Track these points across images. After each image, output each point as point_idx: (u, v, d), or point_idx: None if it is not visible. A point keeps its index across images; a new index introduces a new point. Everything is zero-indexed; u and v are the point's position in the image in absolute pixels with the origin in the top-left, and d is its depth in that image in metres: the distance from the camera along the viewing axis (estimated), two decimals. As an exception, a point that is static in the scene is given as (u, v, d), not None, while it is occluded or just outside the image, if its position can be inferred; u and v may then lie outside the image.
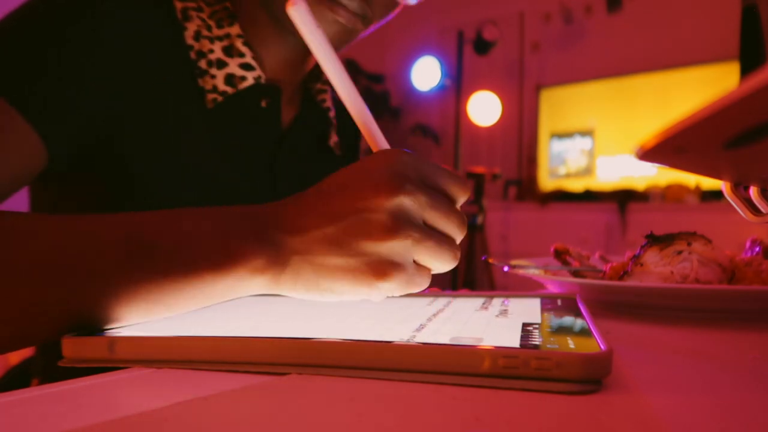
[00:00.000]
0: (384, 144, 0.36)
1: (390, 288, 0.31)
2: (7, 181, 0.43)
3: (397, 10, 0.57)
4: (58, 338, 0.29)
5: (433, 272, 0.34)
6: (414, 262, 0.33)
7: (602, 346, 0.25)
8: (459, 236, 0.34)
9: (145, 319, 0.31)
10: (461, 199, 0.35)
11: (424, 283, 0.33)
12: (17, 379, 0.59)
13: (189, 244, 0.31)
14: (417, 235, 0.31)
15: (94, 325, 0.30)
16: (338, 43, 0.55)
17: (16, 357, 0.67)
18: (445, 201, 0.34)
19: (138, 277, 0.29)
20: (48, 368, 0.57)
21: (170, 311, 0.31)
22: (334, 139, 0.67)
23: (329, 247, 0.31)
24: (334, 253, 0.31)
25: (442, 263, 0.33)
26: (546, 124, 3.61)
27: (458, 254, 0.34)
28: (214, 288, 0.31)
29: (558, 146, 3.57)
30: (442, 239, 0.33)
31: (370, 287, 0.31)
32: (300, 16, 0.35)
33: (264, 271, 0.31)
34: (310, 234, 0.31)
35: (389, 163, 0.32)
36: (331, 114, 0.66)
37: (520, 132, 3.70)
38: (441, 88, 3.53)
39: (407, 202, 0.31)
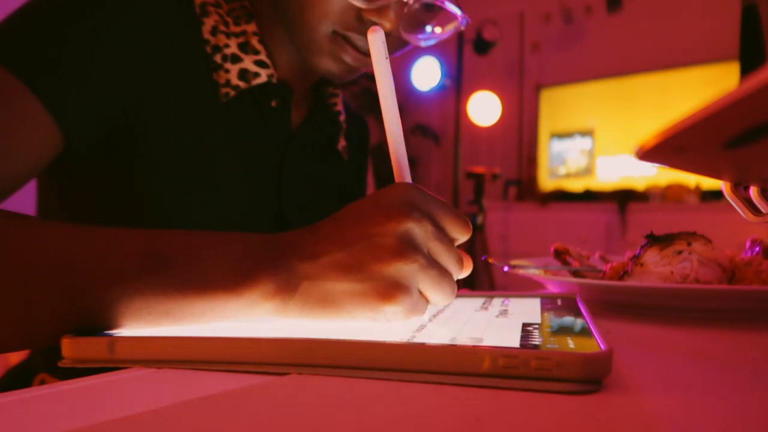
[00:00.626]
0: (407, 178, 0.37)
1: (395, 312, 0.32)
2: (24, 168, 0.43)
3: (406, 48, 0.57)
4: None
5: (430, 304, 0.34)
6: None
7: (602, 346, 0.25)
8: (457, 274, 0.35)
9: (152, 328, 0.31)
10: (462, 239, 0.36)
11: (424, 311, 0.34)
12: (17, 379, 0.59)
13: (204, 263, 0.32)
14: (423, 261, 0.32)
15: (107, 329, 0.31)
16: (341, 77, 0.56)
17: (16, 357, 0.67)
18: (447, 237, 0.35)
19: (151, 288, 0.30)
20: (49, 367, 0.57)
21: (178, 324, 0.32)
22: (342, 143, 0.67)
23: (339, 272, 0.32)
24: (343, 279, 0.32)
25: (441, 295, 0.34)
26: (546, 124, 3.61)
27: (455, 290, 0.35)
28: (224, 308, 0.31)
29: (558, 146, 3.57)
30: (443, 271, 0.34)
31: (376, 311, 0.32)
32: (376, 43, 0.36)
33: (274, 296, 0.32)
34: (321, 260, 0.32)
35: (401, 194, 0.34)
36: (341, 118, 0.66)
37: (520, 132, 3.70)
38: (441, 88, 3.53)
39: (415, 228, 0.32)
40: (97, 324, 0.30)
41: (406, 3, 0.50)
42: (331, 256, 0.32)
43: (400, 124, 0.38)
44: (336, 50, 0.53)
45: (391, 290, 0.31)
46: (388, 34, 0.52)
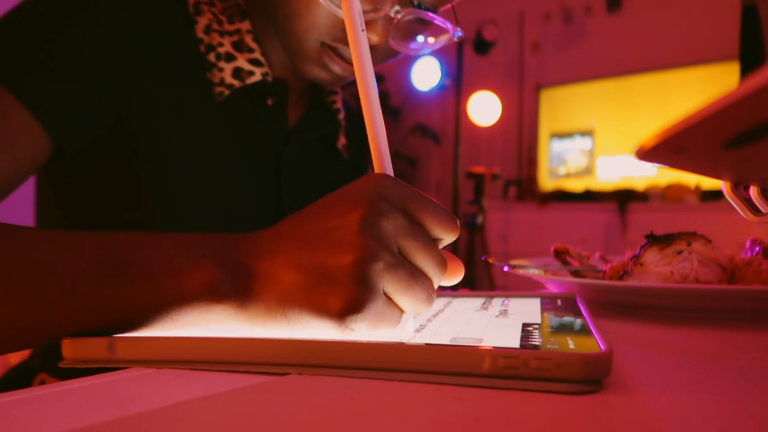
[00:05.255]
0: (387, 168, 0.33)
1: (355, 321, 0.27)
2: (10, 174, 0.43)
3: (397, 57, 0.57)
4: (27, 348, 0.29)
5: (404, 314, 0.30)
6: (385, 295, 0.29)
7: (602, 347, 0.25)
8: (437, 277, 0.30)
9: (116, 333, 0.30)
10: (447, 238, 0.31)
11: (395, 321, 0.29)
12: (17, 379, 0.59)
13: (158, 266, 0.30)
14: (389, 259, 0.28)
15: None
16: (330, 84, 0.56)
17: (16, 357, 0.67)
18: (425, 234, 0.30)
19: (108, 294, 0.29)
20: (49, 367, 0.57)
21: (138, 330, 0.30)
22: (342, 141, 0.67)
23: (294, 272, 0.28)
24: (299, 279, 0.28)
25: (412, 301, 0.29)
26: (546, 124, 3.61)
27: (433, 296, 0.30)
28: (180, 312, 0.30)
29: (558, 146, 3.57)
30: (416, 273, 0.29)
31: (333, 319, 0.27)
32: (351, 14, 0.33)
33: (228, 299, 0.29)
34: (278, 259, 0.29)
35: (371, 184, 0.30)
36: (341, 116, 0.66)
37: (520, 132, 3.70)
38: (441, 88, 3.53)
39: (382, 222, 0.28)
40: (62, 331, 0.29)
41: (394, 17, 0.50)
42: (288, 254, 0.29)
43: (379, 105, 0.34)
44: (324, 60, 0.52)
45: (349, 293, 0.27)
46: (375, 46, 0.52)
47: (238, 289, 0.29)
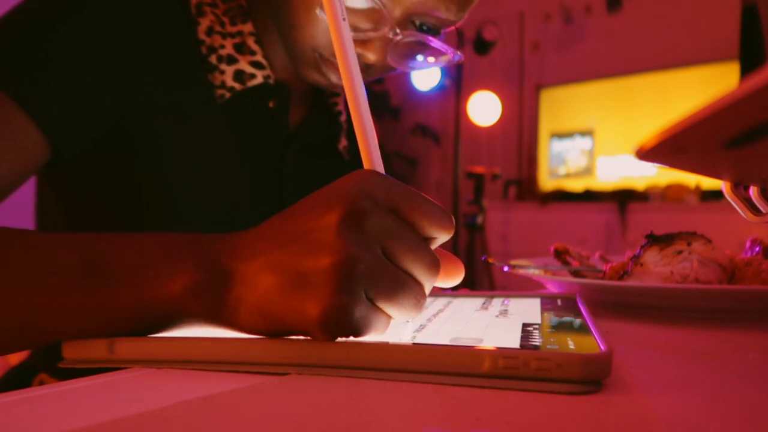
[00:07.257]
0: (377, 164, 0.31)
1: (337, 328, 0.26)
2: (9, 176, 0.42)
3: (397, 71, 0.57)
4: (8, 353, 0.30)
5: (392, 319, 0.28)
6: (369, 300, 0.27)
7: (602, 347, 0.25)
8: (428, 281, 0.28)
9: (99, 336, 0.29)
10: (441, 237, 0.29)
11: (382, 328, 0.27)
12: (17, 379, 0.59)
13: (138, 268, 0.29)
14: (370, 263, 0.26)
15: (48, 341, 0.30)
16: (328, 88, 0.56)
17: (16, 357, 0.67)
18: (414, 235, 0.28)
19: (88, 297, 0.29)
20: (49, 367, 0.57)
21: (120, 333, 0.29)
22: (343, 143, 0.67)
23: (272, 274, 0.27)
24: (276, 282, 0.27)
25: (397, 307, 0.27)
26: (546, 124, 3.61)
27: (422, 302, 0.28)
28: (158, 314, 0.29)
29: (558, 146, 3.57)
30: (402, 278, 0.27)
31: (311, 326, 0.26)
32: (331, 2, 0.31)
33: (208, 302, 0.28)
34: (257, 260, 0.28)
35: (356, 181, 0.28)
36: (342, 118, 0.66)
37: (520, 132, 3.70)
38: (441, 88, 3.53)
39: (362, 222, 0.26)
40: (44, 334, 0.29)
41: (391, 39, 0.49)
42: (268, 255, 0.27)
43: (366, 97, 0.31)
44: (322, 67, 0.53)
45: (328, 300, 0.25)
46: (373, 65, 0.52)
47: (217, 291, 0.28)
